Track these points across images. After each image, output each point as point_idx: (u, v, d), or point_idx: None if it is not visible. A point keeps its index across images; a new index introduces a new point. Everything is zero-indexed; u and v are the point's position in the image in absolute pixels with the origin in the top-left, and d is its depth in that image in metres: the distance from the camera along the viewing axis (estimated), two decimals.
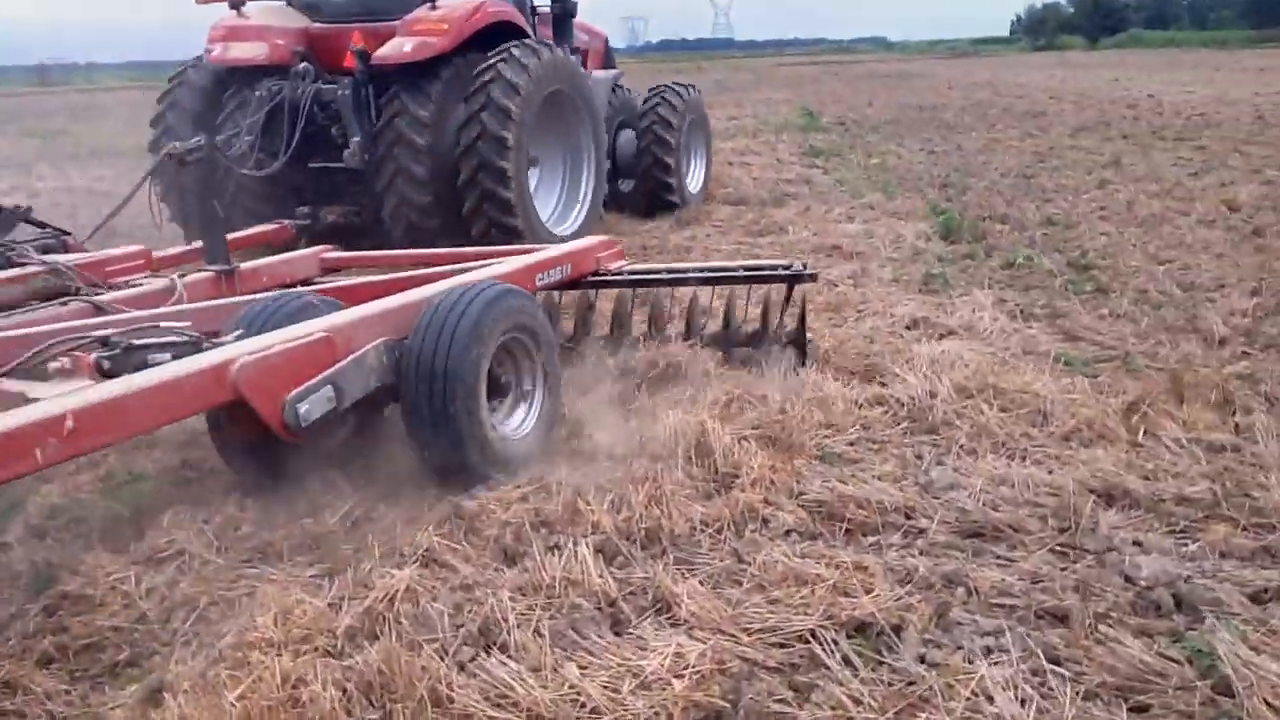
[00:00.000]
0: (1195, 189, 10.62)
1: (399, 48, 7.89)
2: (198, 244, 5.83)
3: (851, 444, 4.45)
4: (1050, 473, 4.04)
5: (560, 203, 9.00)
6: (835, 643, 2.94)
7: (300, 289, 5.06)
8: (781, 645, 2.96)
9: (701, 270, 5.66)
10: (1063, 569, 3.36)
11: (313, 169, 8.32)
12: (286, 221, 7.15)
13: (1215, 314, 5.99)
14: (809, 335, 5.34)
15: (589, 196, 9.09)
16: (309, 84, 8.14)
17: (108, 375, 3.37)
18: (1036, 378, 4.95)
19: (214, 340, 3.73)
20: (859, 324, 6.15)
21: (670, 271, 5.74)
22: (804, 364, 5.14)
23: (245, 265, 5.54)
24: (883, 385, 5.00)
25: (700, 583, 3.28)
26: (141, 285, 5.15)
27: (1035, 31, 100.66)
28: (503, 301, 4.12)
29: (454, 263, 5.46)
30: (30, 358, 3.54)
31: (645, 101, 10.61)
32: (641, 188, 10.60)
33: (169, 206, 7.38)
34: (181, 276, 5.25)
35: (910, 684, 2.76)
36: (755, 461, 4.05)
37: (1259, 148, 14.05)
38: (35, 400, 3.15)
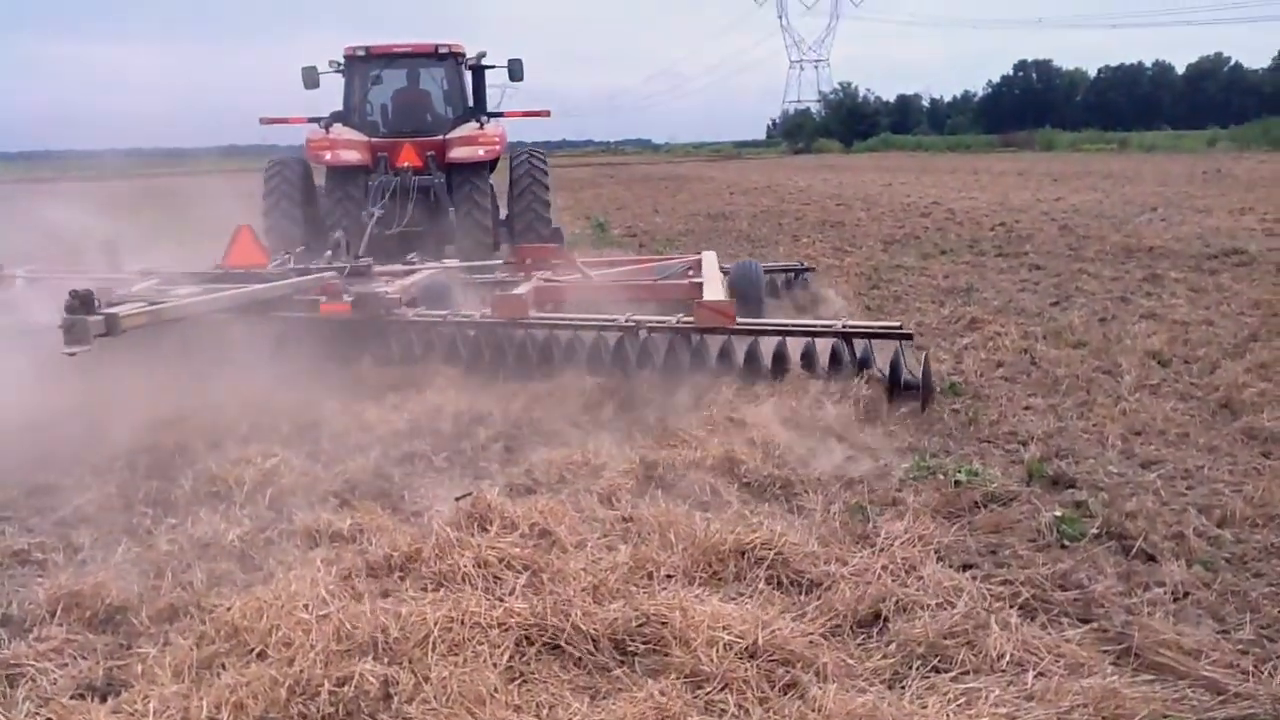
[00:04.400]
0: (1084, 329, 8.78)
1: (473, 153, 12.65)
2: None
3: None
4: None
5: None
6: None
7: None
8: None
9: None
10: None
11: (402, 231, 12.14)
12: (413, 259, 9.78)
13: None
14: None
15: None
16: (410, 176, 12.41)
17: None
18: None
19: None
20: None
21: None
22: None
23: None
24: None
25: None
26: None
27: (793, 135, 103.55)
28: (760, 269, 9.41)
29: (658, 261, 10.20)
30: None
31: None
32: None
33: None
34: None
35: None
36: None
37: (1095, 265, 12.83)
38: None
